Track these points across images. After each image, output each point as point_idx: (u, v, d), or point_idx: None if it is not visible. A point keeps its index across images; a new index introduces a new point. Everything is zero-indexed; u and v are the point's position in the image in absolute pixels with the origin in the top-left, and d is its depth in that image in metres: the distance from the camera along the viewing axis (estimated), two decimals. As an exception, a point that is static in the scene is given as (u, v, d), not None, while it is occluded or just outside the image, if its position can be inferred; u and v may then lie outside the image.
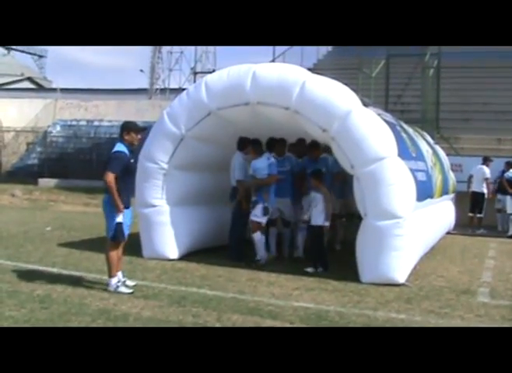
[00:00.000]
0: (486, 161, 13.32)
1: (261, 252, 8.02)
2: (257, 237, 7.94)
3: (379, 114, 7.58)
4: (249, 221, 8.04)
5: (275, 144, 8.46)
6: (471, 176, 13.32)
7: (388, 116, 8.78)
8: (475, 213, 13.22)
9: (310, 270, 7.49)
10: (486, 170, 13.13)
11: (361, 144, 6.95)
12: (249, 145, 8.18)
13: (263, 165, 7.93)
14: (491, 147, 15.66)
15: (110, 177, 6.06)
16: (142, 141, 6.99)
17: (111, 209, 6.14)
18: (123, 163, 6.18)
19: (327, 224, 7.60)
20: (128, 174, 6.32)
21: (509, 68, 18.25)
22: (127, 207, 6.26)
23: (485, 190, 13.14)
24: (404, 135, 8.75)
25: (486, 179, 13.10)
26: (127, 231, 6.31)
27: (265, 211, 7.88)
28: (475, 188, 13.21)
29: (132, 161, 6.43)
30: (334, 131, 7.09)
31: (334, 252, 9.12)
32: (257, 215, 7.89)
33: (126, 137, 6.31)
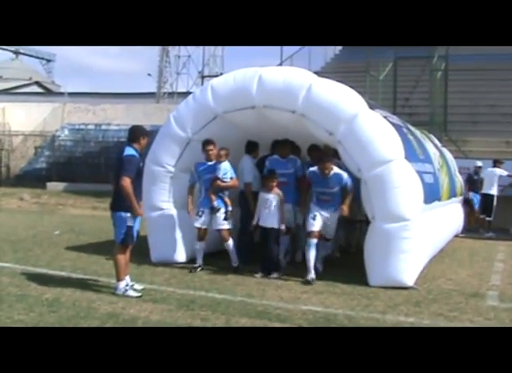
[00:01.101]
0: (497, 163, 13.29)
1: (234, 258, 7.72)
2: (230, 245, 7.66)
3: (385, 116, 7.56)
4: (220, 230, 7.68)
5: (276, 145, 8.17)
6: (482, 179, 13.32)
7: (395, 119, 8.75)
8: (485, 215, 13.22)
9: (258, 275, 7.35)
10: (498, 171, 13.09)
11: (367, 147, 6.94)
12: (208, 145, 7.64)
13: (228, 168, 7.68)
14: (499, 149, 15.57)
15: (127, 182, 6.03)
16: (148, 145, 7.01)
17: (119, 214, 6.16)
18: (136, 167, 6.21)
19: (282, 227, 7.37)
20: (137, 178, 6.33)
21: (517, 70, 18.20)
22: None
23: (495, 192, 13.11)
24: (410, 137, 8.72)
25: (501, 175, 13.04)
26: (135, 235, 6.31)
27: (226, 216, 7.60)
28: (485, 190, 13.22)
29: (141, 164, 6.46)
30: (340, 134, 7.08)
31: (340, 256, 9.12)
32: (222, 223, 7.61)
33: (142, 142, 6.32)
